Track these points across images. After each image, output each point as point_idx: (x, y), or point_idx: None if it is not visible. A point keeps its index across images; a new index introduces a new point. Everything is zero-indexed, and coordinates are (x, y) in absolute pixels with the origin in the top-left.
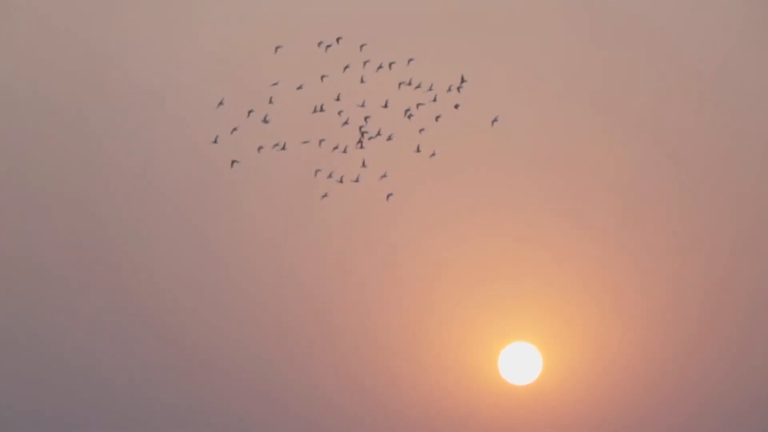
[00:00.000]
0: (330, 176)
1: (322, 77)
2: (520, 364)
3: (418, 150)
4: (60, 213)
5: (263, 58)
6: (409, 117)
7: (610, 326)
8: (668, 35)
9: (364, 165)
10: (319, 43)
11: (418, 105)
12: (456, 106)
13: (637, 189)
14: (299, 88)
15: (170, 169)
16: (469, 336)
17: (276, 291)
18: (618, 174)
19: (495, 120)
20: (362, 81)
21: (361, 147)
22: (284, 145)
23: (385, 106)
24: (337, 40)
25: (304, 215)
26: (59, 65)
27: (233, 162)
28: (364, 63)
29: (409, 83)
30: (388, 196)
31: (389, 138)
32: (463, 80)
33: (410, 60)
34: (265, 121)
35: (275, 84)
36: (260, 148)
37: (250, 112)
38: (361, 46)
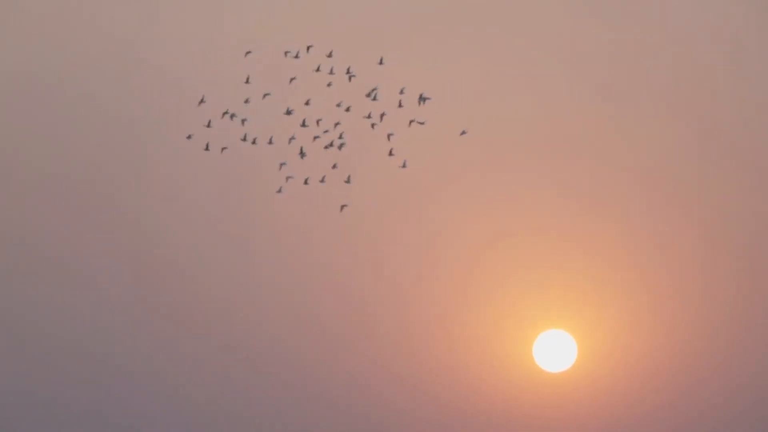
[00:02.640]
0: (289, 178)
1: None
2: (555, 351)
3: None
4: (80, 202)
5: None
6: (371, 126)
7: (643, 313)
8: (680, 10)
9: (334, 167)
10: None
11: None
12: (422, 123)
13: (662, 175)
14: (322, 69)
15: (196, 159)
16: (504, 324)
17: (309, 282)
18: (642, 162)
19: (463, 132)
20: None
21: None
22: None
23: (422, 99)
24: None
25: (333, 203)
26: (83, 53)
27: (206, 145)
28: (379, 59)
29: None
30: (342, 207)
31: (340, 142)
32: (425, 98)
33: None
34: (233, 116)
35: (247, 82)
36: (189, 136)
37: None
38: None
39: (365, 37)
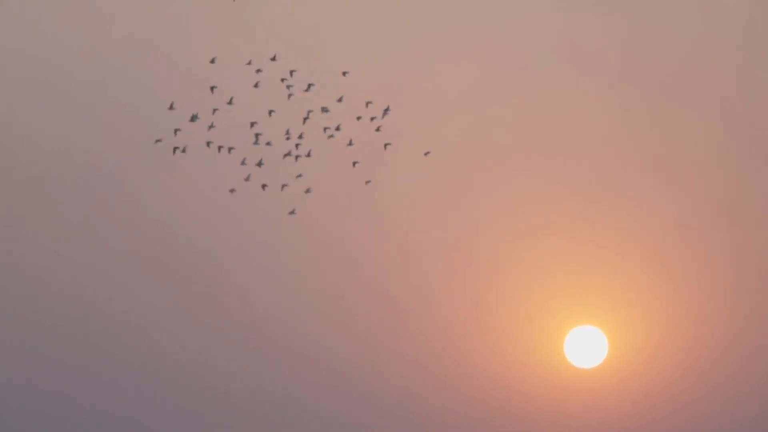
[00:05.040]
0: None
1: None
2: (586, 347)
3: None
4: (94, 199)
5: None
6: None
7: (673, 309)
8: None
9: (299, 176)
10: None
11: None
12: (386, 145)
13: (687, 170)
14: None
15: (217, 155)
16: (535, 319)
17: (339, 278)
18: (667, 157)
19: (427, 153)
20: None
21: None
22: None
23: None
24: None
25: (362, 197)
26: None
27: (175, 149)
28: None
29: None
30: (291, 212)
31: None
32: (386, 110)
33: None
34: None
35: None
36: (158, 141)
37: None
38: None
39: (387, 36)
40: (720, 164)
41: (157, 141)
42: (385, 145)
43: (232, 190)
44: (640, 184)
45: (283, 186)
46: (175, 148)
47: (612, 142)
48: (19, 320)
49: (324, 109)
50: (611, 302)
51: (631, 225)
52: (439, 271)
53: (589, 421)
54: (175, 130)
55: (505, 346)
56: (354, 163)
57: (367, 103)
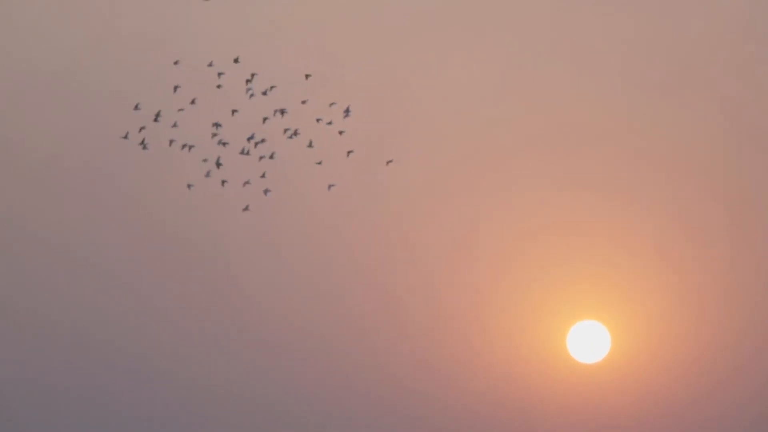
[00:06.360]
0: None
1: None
2: (589, 342)
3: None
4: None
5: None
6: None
7: (675, 304)
8: None
9: (263, 175)
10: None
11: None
12: (348, 153)
13: (688, 166)
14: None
15: (228, 155)
16: (538, 314)
17: (340, 274)
18: (667, 152)
19: (390, 161)
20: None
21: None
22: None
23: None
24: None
25: (363, 196)
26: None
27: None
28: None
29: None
30: (246, 207)
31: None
32: (348, 111)
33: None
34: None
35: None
36: (125, 135)
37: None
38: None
39: (393, 34)
40: (723, 162)
41: (125, 136)
42: (348, 152)
43: (189, 186)
44: (643, 182)
45: (245, 179)
46: (141, 141)
47: (613, 141)
48: (18, 317)
49: (286, 112)
50: (614, 298)
51: (634, 221)
52: (441, 268)
53: (592, 416)
54: (140, 128)
55: (508, 341)
56: (348, 153)
57: (330, 104)
